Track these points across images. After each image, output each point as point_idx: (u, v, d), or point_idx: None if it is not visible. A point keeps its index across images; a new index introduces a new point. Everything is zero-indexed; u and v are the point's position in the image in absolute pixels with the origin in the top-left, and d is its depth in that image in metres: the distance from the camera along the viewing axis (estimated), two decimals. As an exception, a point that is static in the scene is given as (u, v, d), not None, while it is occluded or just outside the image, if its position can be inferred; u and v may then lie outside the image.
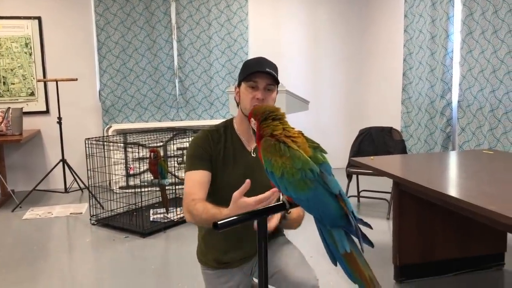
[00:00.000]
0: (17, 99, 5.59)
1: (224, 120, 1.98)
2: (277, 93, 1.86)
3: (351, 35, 6.51)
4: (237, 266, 1.91)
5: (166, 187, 4.41)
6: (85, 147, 4.31)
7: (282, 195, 1.37)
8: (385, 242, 3.52)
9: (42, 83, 5.61)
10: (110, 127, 5.69)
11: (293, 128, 1.43)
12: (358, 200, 4.92)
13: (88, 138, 4.38)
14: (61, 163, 5.14)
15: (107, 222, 4.32)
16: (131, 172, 5.59)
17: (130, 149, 5.45)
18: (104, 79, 5.78)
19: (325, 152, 1.39)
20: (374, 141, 4.74)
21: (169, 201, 4.52)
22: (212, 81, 6.06)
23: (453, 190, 2.38)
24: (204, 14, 5.96)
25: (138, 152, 5.32)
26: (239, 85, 1.84)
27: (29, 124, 5.54)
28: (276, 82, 1.79)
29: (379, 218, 4.37)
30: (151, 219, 4.34)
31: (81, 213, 4.74)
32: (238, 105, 1.87)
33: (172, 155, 5.56)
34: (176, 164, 5.50)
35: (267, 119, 1.43)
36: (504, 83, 4.10)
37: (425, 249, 3.05)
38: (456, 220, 3.03)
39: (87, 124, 5.81)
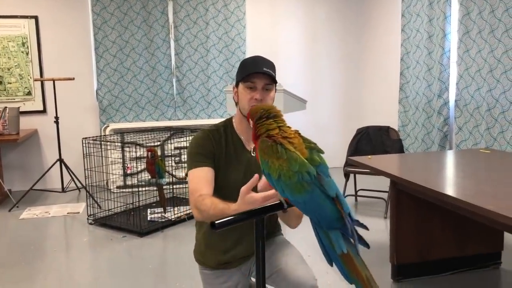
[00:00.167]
0: (14, 99, 5.58)
1: (221, 119, 1.97)
2: (275, 91, 1.86)
3: (348, 34, 6.52)
4: (236, 266, 1.91)
5: (164, 187, 4.41)
6: (82, 146, 4.30)
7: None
8: (382, 241, 3.52)
9: (39, 83, 5.60)
10: (108, 126, 5.68)
11: (289, 128, 1.42)
12: (356, 199, 4.92)
13: (85, 138, 4.37)
14: (58, 162, 5.13)
15: (104, 222, 4.31)
16: (129, 171, 5.59)
17: (127, 149, 5.44)
18: (101, 79, 5.77)
19: (322, 152, 1.38)
20: (372, 140, 4.75)
21: (166, 201, 4.52)
22: (209, 80, 6.05)
23: (450, 189, 2.38)
24: (201, 13, 5.96)
25: (136, 152, 5.31)
26: (237, 85, 1.84)
27: (26, 123, 5.52)
28: (274, 81, 1.79)
29: (377, 217, 4.38)
30: (148, 219, 4.34)
31: (79, 212, 4.73)
32: (236, 105, 1.87)
33: (170, 154, 5.56)
34: (173, 164, 5.50)
35: (262, 118, 1.43)
36: (501, 83, 4.10)
37: (422, 248, 3.05)
38: (453, 219, 3.04)
39: (84, 123, 5.80)
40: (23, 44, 5.55)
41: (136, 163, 5.51)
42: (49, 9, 5.61)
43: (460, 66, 4.57)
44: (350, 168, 4.47)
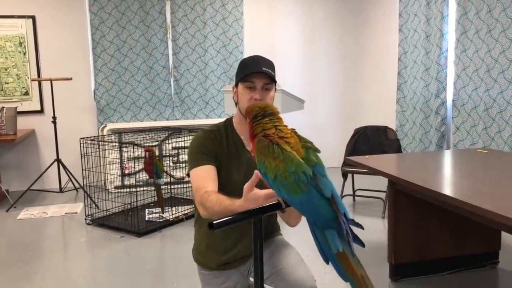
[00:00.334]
0: (11, 99, 5.57)
1: (219, 119, 1.97)
2: (275, 91, 1.85)
3: (346, 34, 6.52)
4: (235, 267, 1.91)
5: (161, 187, 4.40)
6: (80, 146, 4.30)
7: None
8: (380, 241, 3.53)
9: (36, 83, 5.59)
10: (105, 126, 5.67)
11: (286, 126, 1.42)
12: (354, 199, 4.93)
13: (83, 138, 4.36)
14: (55, 162, 5.12)
15: (102, 222, 4.31)
16: (126, 171, 5.58)
17: (125, 149, 5.43)
18: (99, 79, 5.76)
19: (318, 151, 1.38)
20: (369, 140, 4.76)
21: (164, 201, 4.51)
22: (207, 80, 6.05)
23: (448, 189, 2.38)
24: (199, 13, 5.96)
25: (133, 152, 5.31)
26: (236, 85, 1.84)
27: (23, 123, 5.51)
28: (273, 80, 1.79)
29: (375, 217, 4.38)
30: (146, 219, 4.33)
31: (76, 213, 4.73)
32: (236, 105, 1.86)
33: (167, 154, 5.55)
34: (171, 164, 5.50)
35: (257, 116, 1.43)
36: (498, 82, 4.11)
37: (420, 248, 3.06)
38: (451, 218, 3.04)
39: (82, 123, 5.79)
40: (21, 44, 5.54)
41: (134, 163, 5.50)
42: (46, 9, 5.60)
43: (458, 66, 4.58)
44: (348, 168, 4.48)
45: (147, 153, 4.20)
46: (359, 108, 6.60)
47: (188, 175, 1.81)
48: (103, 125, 5.72)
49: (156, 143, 5.45)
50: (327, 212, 1.24)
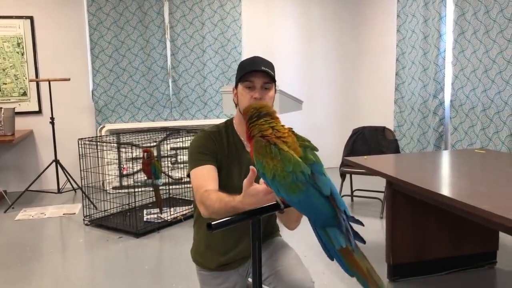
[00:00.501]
0: (9, 99, 5.56)
1: (217, 119, 1.97)
2: (275, 91, 1.85)
3: (344, 34, 6.53)
4: (234, 267, 1.91)
5: (160, 187, 4.40)
6: (78, 147, 4.29)
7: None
8: (378, 241, 3.53)
9: (34, 83, 5.58)
10: (103, 127, 5.67)
11: (283, 126, 1.42)
12: (352, 200, 4.93)
13: (81, 138, 4.36)
14: (54, 163, 5.11)
15: (100, 223, 4.30)
16: (125, 172, 5.58)
17: (123, 149, 5.43)
18: (97, 79, 5.75)
19: (316, 150, 1.37)
20: (367, 141, 4.76)
21: (162, 201, 4.51)
22: (205, 81, 6.05)
23: (445, 189, 2.39)
24: (197, 14, 5.96)
25: (132, 152, 5.31)
26: (236, 86, 1.84)
27: (21, 124, 5.50)
28: (273, 80, 1.79)
29: (373, 217, 4.39)
30: (144, 220, 4.33)
31: (74, 213, 4.72)
32: (236, 106, 1.86)
33: (166, 155, 5.55)
34: (169, 164, 5.49)
35: (252, 118, 1.42)
36: (496, 83, 4.12)
37: (418, 248, 3.06)
38: (449, 219, 3.05)
39: (80, 124, 5.78)
40: (18, 44, 5.53)
41: (132, 164, 5.50)
42: (44, 9, 5.59)
43: (455, 66, 4.59)
44: (346, 169, 4.48)
45: (145, 153, 4.19)
46: (357, 109, 6.60)
47: (188, 175, 1.81)
48: (101, 126, 5.72)
49: (154, 143, 5.44)
50: (326, 210, 1.24)
